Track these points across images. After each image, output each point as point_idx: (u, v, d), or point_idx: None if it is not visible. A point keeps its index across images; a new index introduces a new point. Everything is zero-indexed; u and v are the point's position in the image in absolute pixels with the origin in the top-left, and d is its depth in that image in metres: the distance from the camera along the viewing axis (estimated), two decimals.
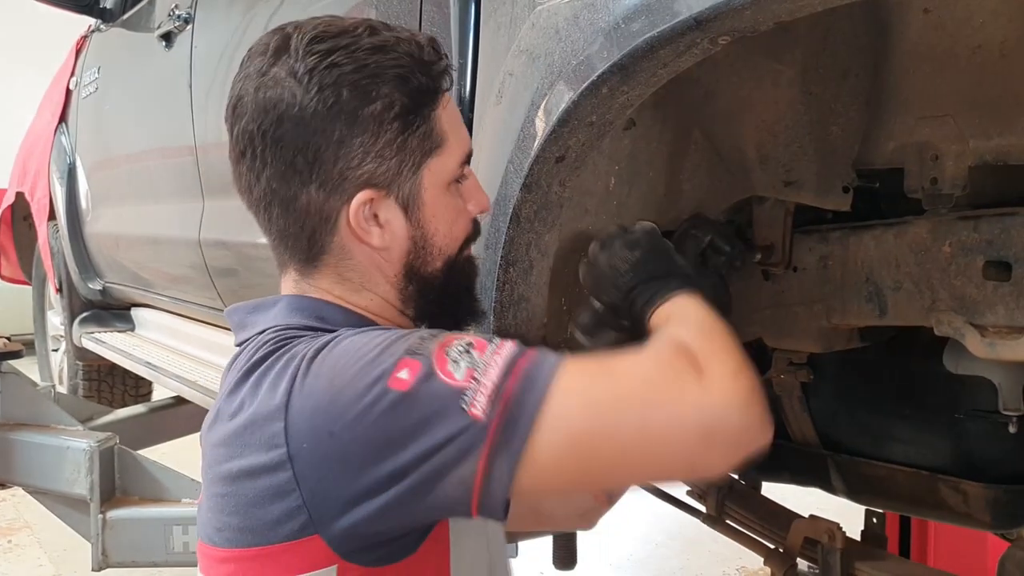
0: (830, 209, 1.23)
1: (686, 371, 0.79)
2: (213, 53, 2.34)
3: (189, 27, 2.49)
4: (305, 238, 0.92)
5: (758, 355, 1.43)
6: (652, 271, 1.00)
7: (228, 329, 2.77)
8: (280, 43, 0.89)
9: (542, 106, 1.03)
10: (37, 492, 2.42)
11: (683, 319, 0.92)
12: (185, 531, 2.09)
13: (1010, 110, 1.05)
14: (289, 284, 0.96)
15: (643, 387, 0.78)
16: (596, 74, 0.94)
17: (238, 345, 0.95)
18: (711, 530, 1.73)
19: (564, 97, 0.99)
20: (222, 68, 2.24)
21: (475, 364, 0.78)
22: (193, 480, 2.24)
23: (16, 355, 2.46)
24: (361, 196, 0.89)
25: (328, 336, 0.84)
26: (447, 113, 0.93)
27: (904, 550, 2.45)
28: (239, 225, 2.21)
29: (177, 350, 3.06)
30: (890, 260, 1.17)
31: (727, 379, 0.78)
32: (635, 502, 1.44)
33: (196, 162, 2.42)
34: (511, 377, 0.77)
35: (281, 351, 0.85)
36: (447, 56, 0.95)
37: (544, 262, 1.14)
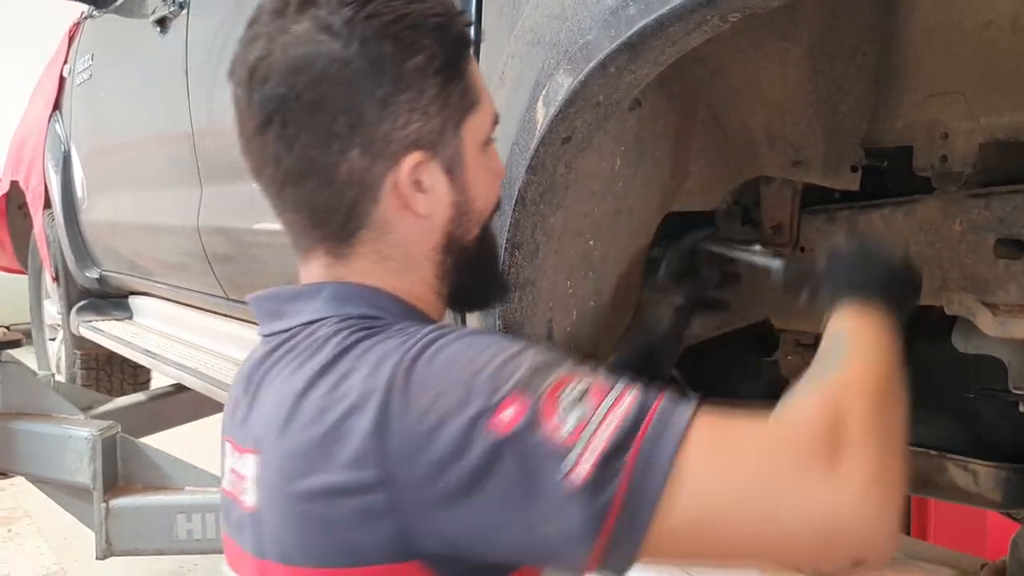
0: (838, 189, 1.22)
1: (822, 457, 0.68)
2: (209, 38, 2.31)
3: (184, 12, 2.47)
4: (343, 212, 0.82)
5: (765, 336, 1.43)
6: (882, 273, 0.93)
7: (227, 316, 2.77)
8: None
9: (547, 87, 1.01)
10: (39, 481, 2.42)
11: (862, 355, 0.81)
12: (189, 519, 2.09)
13: (1021, 86, 1.03)
14: (318, 269, 0.86)
15: (773, 474, 0.68)
16: (604, 53, 0.92)
17: (269, 335, 0.87)
18: None
19: (570, 77, 0.98)
20: (217, 53, 2.22)
21: (588, 419, 0.69)
22: (196, 468, 2.24)
23: (15, 344, 2.46)
24: (411, 159, 0.81)
25: (421, 338, 0.76)
26: (476, 66, 0.87)
27: (905, 527, 2.46)
28: (238, 211, 2.20)
29: (176, 337, 3.05)
30: (900, 239, 1.16)
31: (867, 480, 0.68)
32: None
33: (193, 148, 2.40)
34: (632, 448, 0.67)
35: (359, 349, 0.77)
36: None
37: (550, 245, 1.13)
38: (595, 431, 0.68)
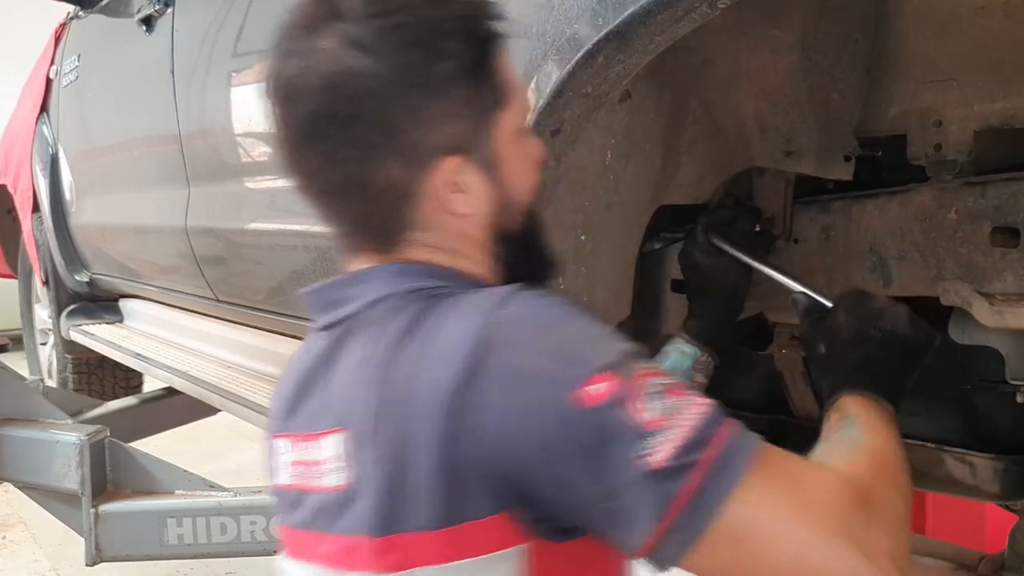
0: (831, 179, 1.21)
1: (861, 518, 0.73)
2: (195, 36, 2.29)
3: (169, 10, 2.45)
4: (384, 219, 0.85)
5: (759, 330, 1.41)
6: (884, 359, 0.98)
7: (218, 318, 2.75)
8: (328, 10, 0.81)
9: (535, 78, 1.00)
10: (27, 488, 2.40)
11: (878, 442, 0.86)
12: (180, 524, 2.07)
13: (1015, 72, 1.02)
14: (368, 263, 0.88)
15: (819, 518, 0.72)
16: (592, 42, 0.91)
17: (330, 325, 0.88)
18: None
19: (558, 68, 0.96)
20: (205, 52, 2.20)
21: (671, 409, 0.72)
22: (186, 472, 2.22)
23: (1, 349, 2.43)
24: (446, 164, 0.82)
25: (505, 296, 0.78)
26: (507, 59, 0.87)
27: None
28: (226, 212, 2.18)
29: (167, 340, 3.03)
30: (894, 229, 1.15)
31: (889, 552, 0.73)
32: None
33: (181, 149, 2.38)
34: (710, 444, 0.71)
35: (439, 309, 0.79)
36: None
37: None
38: (677, 422, 0.71)
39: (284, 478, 0.90)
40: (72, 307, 3.63)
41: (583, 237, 1.19)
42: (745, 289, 1.25)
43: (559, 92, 0.97)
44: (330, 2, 0.81)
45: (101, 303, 3.64)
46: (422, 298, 0.82)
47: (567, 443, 0.71)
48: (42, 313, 4.10)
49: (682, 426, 0.71)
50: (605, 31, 0.89)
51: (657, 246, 1.40)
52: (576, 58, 0.93)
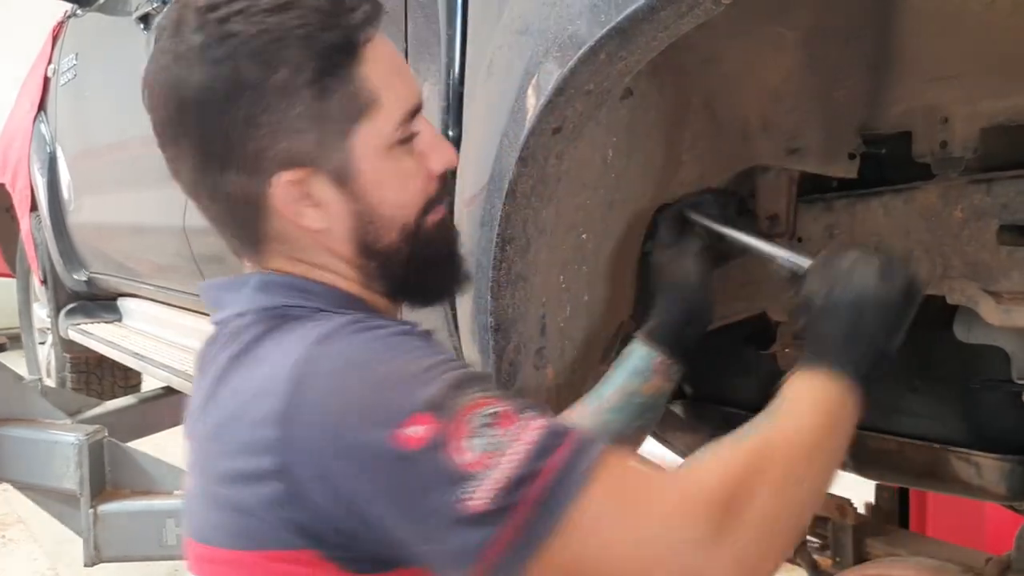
0: (835, 177, 1.19)
1: (709, 528, 0.70)
2: None
3: (167, 8, 2.43)
4: (240, 227, 0.85)
5: (762, 329, 1.40)
6: (855, 324, 0.88)
7: None
8: (179, 15, 0.79)
9: (536, 76, 0.99)
10: (26, 488, 2.40)
11: (785, 432, 0.79)
12: (178, 524, 2.06)
13: (1023, 68, 1.01)
14: (247, 268, 0.90)
15: (659, 535, 0.70)
16: (594, 39, 0.89)
17: (215, 323, 0.89)
18: None
19: (560, 65, 0.95)
20: None
21: (494, 446, 0.69)
22: (184, 471, 2.21)
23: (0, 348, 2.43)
24: (280, 177, 0.80)
25: (332, 331, 0.76)
26: (376, 66, 0.82)
27: (903, 521, 2.44)
28: None
29: (165, 339, 3.03)
30: (899, 227, 1.14)
31: (732, 562, 0.70)
32: None
33: None
34: (536, 479, 0.69)
35: (272, 338, 0.78)
36: None
37: (542, 239, 1.10)
38: (499, 462, 0.69)
39: None
40: (70, 306, 3.63)
41: (584, 236, 1.18)
42: (709, 286, 1.16)
43: (561, 89, 0.95)
44: (183, 5, 0.80)
45: (99, 302, 3.64)
46: (272, 317, 0.81)
47: (384, 487, 0.70)
48: (41, 312, 4.09)
49: (505, 465, 0.69)
50: (607, 28, 0.88)
51: None
52: (578, 55, 0.92)
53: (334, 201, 0.82)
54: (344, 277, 0.86)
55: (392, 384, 0.72)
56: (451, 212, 1.08)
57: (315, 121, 0.79)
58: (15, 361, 3.09)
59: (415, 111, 0.86)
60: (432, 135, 0.88)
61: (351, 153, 0.81)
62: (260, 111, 0.78)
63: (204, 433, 0.82)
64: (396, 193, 0.85)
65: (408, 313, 0.97)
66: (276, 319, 0.81)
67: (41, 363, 4.18)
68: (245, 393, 0.76)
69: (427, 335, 0.84)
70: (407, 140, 0.85)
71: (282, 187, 0.80)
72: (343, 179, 0.82)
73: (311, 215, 0.82)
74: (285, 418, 0.72)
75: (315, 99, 0.79)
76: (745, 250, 1.14)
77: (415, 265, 0.87)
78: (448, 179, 0.91)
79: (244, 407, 0.76)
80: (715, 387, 1.58)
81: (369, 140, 0.82)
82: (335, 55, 0.79)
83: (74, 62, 3.29)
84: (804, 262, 0.99)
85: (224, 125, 0.78)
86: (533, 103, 0.98)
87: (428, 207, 0.88)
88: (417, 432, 0.69)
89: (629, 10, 0.86)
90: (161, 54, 0.80)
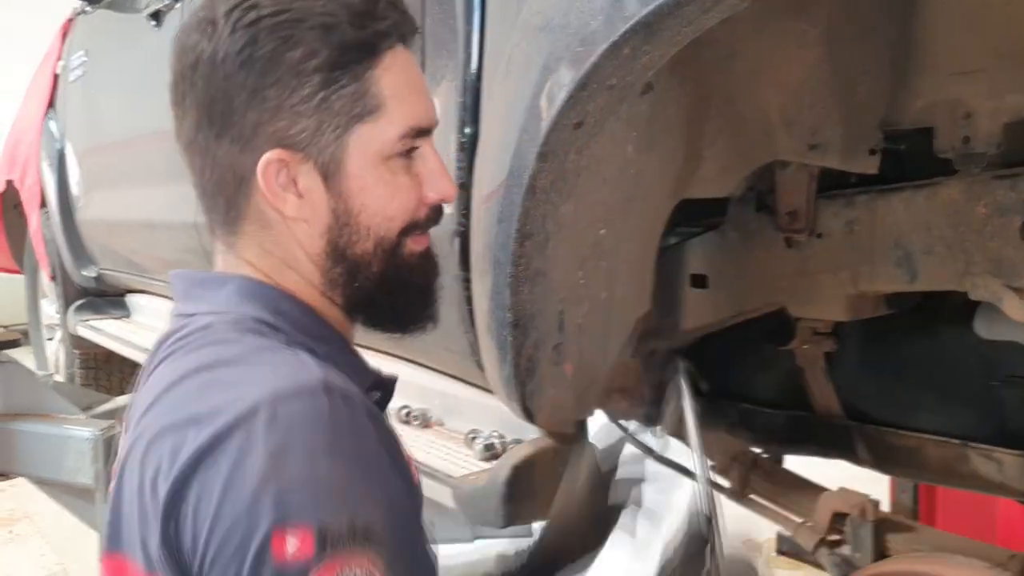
0: (856, 172, 1.19)
1: None
2: None
3: (179, 5, 2.44)
4: (223, 198, 0.85)
5: (780, 325, 1.40)
6: None
7: None
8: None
9: (557, 71, 0.98)
10: (41, 482, 2.40)
11: None
12: None
13: None
14: (219, 255, 0.89)
15: None
16: (618, 33, 0.89)
17: (178, 316, 0.86)
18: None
19: (582, 61, 0.95)
20: None
21: None
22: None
23: (14, 344, 2.44)
24: (270, 155, 0.80)
25: (288, 381, 0.74)
26: (391, 74, 0.83)
27: (913, 515, 2.44)
28: None
29: None
30: (921, 223, 1.13)
31: None
32: None
33: None
34: None
35: (229, 371, 0.76)
36: (404, 12, 0.84)
37: (561, 234, 1.10)
38: None
39: None
40: (79, 302, 3.64)
41: (603, 231, 1.17)
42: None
43: (583, 84, 0.95)
44: None
45: (108, 298, 3.65)
46: (247, 330, 0.80)
47: (231, 564, 0.67)
48: (49, 308, 4.10)
49: None
50: (632, 22, 0.88)
51: (675, 240, 1.39)
52: (602, 49, 0.91)
53: (317, 194, 0.83)
54: (308, 282, 0.85)
55: (298, 487, 0.69)
56: (439, 244, 1.05)
57: (317, 109, 0.80)
58: (23, 357, 3.09)
59: (423, 131, 0.85)
60: (436, 163, 0.87)
61: (344, 150, 0.82)
62: (268, 84, 0.79)
63: (151, 434, 0.77)
64: (380, 203, 0.84)
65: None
66: (250, 333, 0.80)
67: (49, 359, 4.19)
68: (192, 407, 0.74)
69: (390, 436, 0.81)
70: (406, 155, 0.85)
71: (271, 166, 0.81)
72: (330, 174, 0.82)
73: (292, 202, 0.82)
74: (198, 462, 0.70)
75: (323, 87, 0.80)
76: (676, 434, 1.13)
77: (387, 287, 0.86)
78: (441, 213, 0.90)
79: (184, 424, 0.73)
80: (733, 383, 1.57)
81: (366, 143, 0.82)
82: (352, 51, 0.81)
83: (84, 59, 3.29)
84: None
85: (230, 90, 0.80)
86: (555, 98, 0.98)
87: (410, 229, 0.86)
88: (294, 546, 0.67)
89: (654, 4, 0.86)
90: (192, 15, 0.83)
